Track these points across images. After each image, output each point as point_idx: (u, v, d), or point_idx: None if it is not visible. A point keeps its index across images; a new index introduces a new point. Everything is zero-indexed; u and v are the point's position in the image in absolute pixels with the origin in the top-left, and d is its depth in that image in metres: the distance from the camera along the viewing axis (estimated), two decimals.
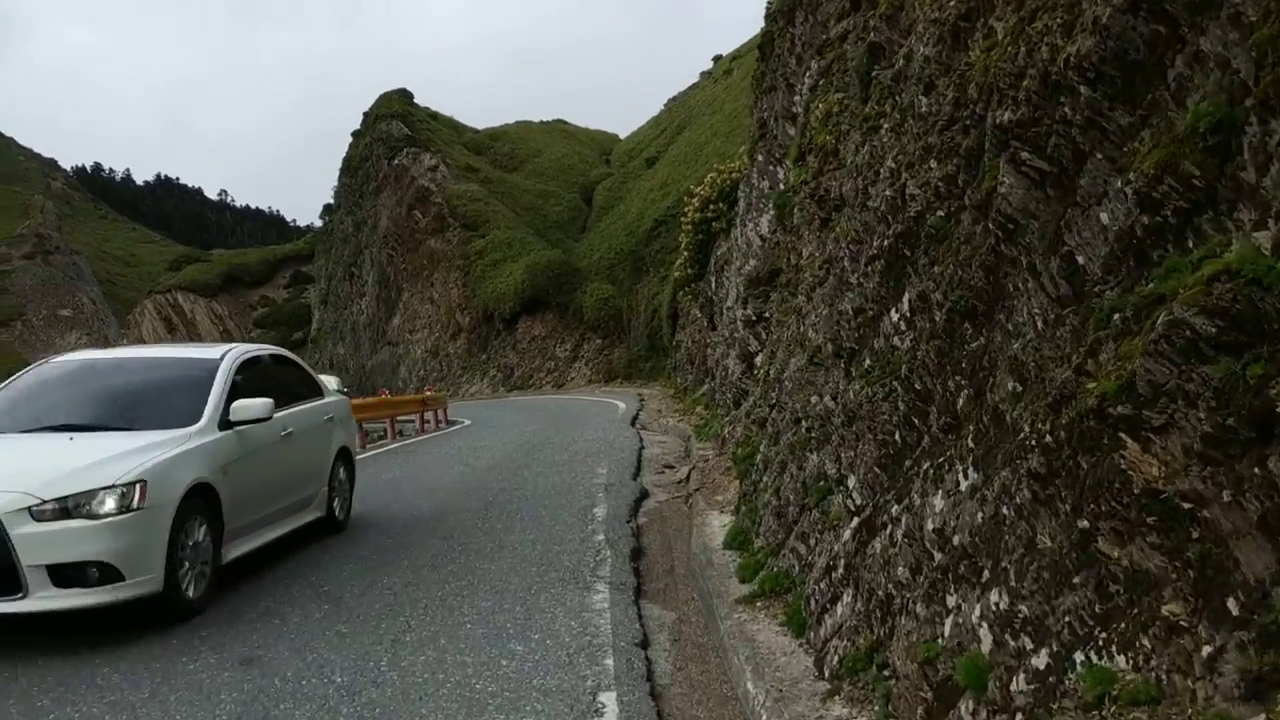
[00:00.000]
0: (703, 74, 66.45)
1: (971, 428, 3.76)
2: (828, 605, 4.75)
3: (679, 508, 9.73)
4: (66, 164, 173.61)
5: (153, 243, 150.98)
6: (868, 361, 4.90)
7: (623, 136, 72.49)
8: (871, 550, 4.38)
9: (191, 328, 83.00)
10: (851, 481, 4.89)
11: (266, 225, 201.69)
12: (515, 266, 46.10)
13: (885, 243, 4.77)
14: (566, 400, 32.13)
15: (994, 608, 3.34)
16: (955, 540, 3.66)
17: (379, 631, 5.66)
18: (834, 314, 5.62)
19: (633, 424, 19.88)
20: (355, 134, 67.58)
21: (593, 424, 20.06)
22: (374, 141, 60.89)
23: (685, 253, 21.76)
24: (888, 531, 4.26)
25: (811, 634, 4.87)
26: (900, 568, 4.07)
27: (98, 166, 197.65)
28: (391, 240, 56.42)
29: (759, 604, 5.61)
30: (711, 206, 19.19)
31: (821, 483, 5.30)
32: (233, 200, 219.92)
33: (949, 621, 3.66)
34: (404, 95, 64.66)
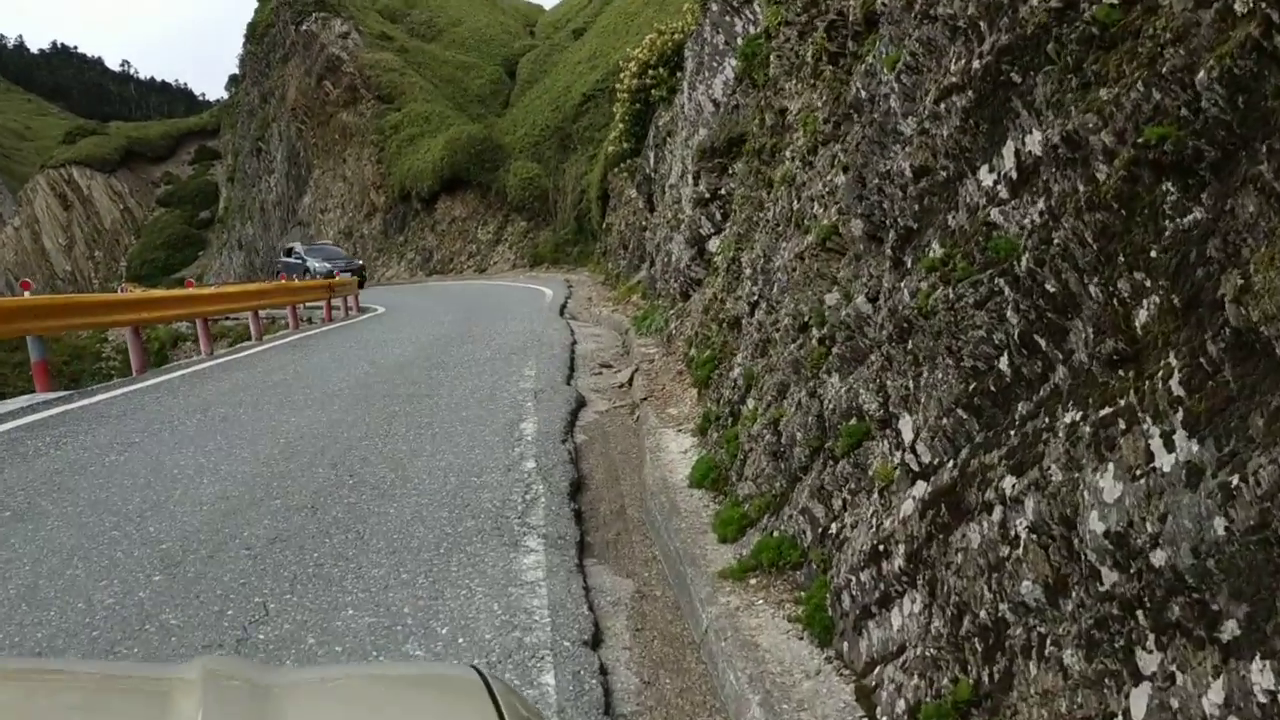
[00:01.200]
0: None
1: (1175, 362, 2.17)
2: (874, 609, 3.22)
3: (624, 421, 8.14)
4: None
5: (49, 115, 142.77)
6: (937, 248, 3.28)
7: (548, 7, 68.97)
8: (961, 541, 2.83)
9: (89, 205, 78.40)
10: (907, 425, 3.32)
11: (173, 99, 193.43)
12: (433, 142, 43.40)
13: (974, 64, 3.10)
14: (489, 286, 30.25)
15: (1260, 695, 1.83)
16: (1156, 558, 2.12)
17: (221, 623, 4.02)
18: (865, 179, 3.97)
19: (561, 314, 18.18)
20: None
21: (517, 313, 18.31)
22: (280, 5, 56.74)
23: (620, 125, 19.69)
24: (994, 517, 2.70)
25: (845, 645, 3.35)
26: (1026, 582, 2.53)
27: None
28: (300, 113, 52.92)
29: (753, 581, 4.07)
30: (651, 72, 17.10)
31: (853, 421, 3.72)
32: (136, 72, 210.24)
33: (1142, 695, 2.14)
34: None
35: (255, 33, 62.03)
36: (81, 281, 73.06)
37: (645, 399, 8.21)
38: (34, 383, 10.71)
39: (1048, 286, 2.63)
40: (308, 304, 21.19)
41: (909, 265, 3.48)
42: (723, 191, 10.01)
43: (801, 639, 3.54)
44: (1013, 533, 2.61)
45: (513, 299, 22.56)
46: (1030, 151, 2.86)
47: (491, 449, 6.88)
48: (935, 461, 3.10)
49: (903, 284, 3.44)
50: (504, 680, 1.30)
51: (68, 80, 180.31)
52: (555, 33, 54.72)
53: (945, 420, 3.05)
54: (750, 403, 5.26)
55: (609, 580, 4.68)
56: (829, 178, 4.77)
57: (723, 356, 6.84)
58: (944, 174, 3.29)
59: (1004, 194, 2.98)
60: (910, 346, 3.34)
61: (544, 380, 9.81)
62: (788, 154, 5.99)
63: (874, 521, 3.35)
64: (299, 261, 35.65)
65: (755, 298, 5.81)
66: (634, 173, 19.28)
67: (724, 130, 10.12)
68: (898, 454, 3.35)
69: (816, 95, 5.40)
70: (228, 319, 25.43)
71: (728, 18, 10.98)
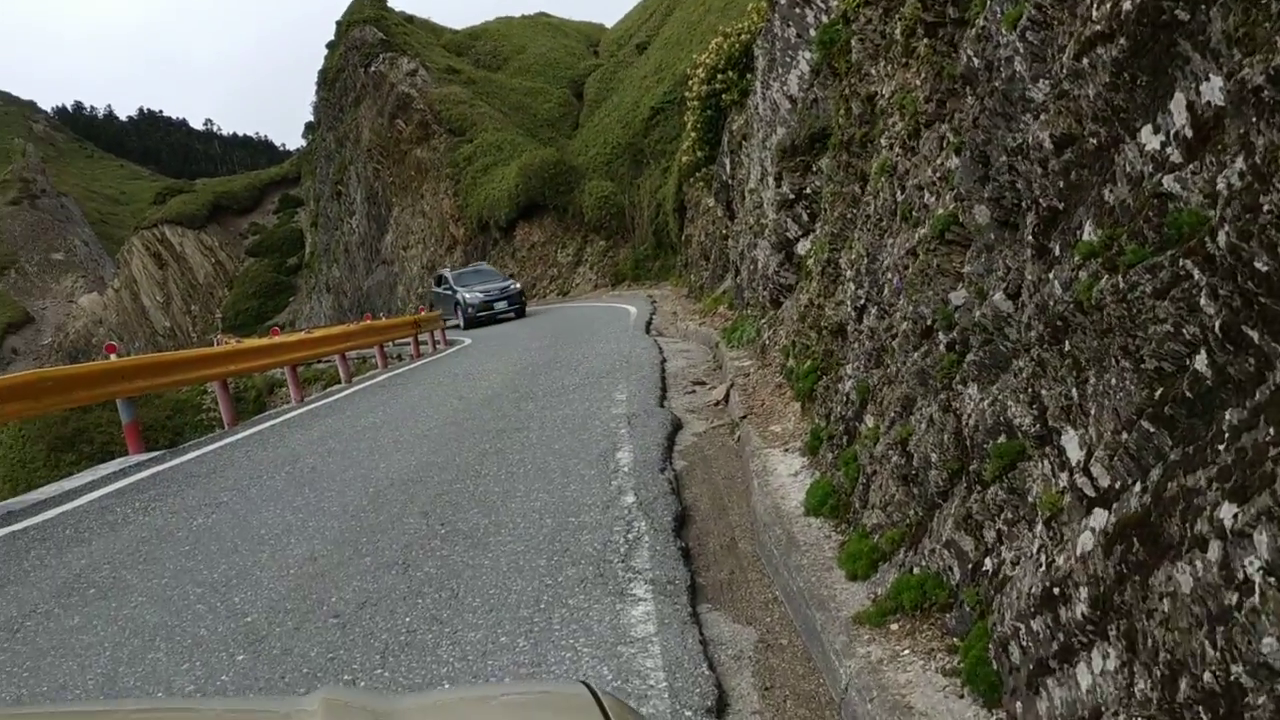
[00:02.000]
0: None
1: None
2: (1053, 663, 2.70)
3: (724, 442, 7.67)
4: (46, 105, 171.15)
5: (141, 178, 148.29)
6: (1093, 229, 2.76)
7: (609, 25, 69.07)
8: (1166, 585, 2.30)
9: (182, 261, 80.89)
10: (1072, 441, 2.80)
11: (256, 151, 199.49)
12: (507, 170, 43.53)
13: (1124, 6, 2.59)
14: (572, 308, 30.03)
15: None
16: None
17: None
18: (989, 157, 3.45)
19: (647, 331, 17.79)
20: (329, 45, 64.40)
21: (603, 334, 17.96)
22: (348, 50, 57.76)
23: (693, 134, 19.22)
24: (1210, 555, 2.17)
25: (1019, 706, 2.83)
26: (1268, 638, 2.00)
27: (79, 105, 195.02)
28: (375, 153, 53.72)
29: (895, 627, 3.57)
30: (719, 76, 16.63)
31: (1002, 438, 3.20)
32: (219, 129, 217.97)
33: None
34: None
35: (327, 79, 63.25)
36: (181, 336, 75.31)
37: (745, 417, 7.73)
38: (127, 445, 10.69)
39: (1257, 265, 2.10)
40: (395, 341, 21.20)
41: (1057, 253, 2.96)
42: (808, 191, 9.50)
43: (963, 698, 3.02)
44: (1240, 575, 2.08)
45: (597, 320, 22.25)
46: (1209, 102, 2.34)
47: (587, 484, 6.48)
48: (1117, 485, 2.57)
49: (1051, 275, 2.92)
50: (615, 695, 1.33)
51: (156, 143, 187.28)
52: (619, 50, 54.66)
53: (1126, 435, 2.53)
54: (869, 419, 4.74)
55: (727, 629, 4.21)
56: (939, 161, 4.26)
57: (827, 367, 6.33)
58: (1094, 141, 2.77)
59: (1177, 157, 2.45)
60: (1068, 348, 2.83)
61: (636, 404, 9.40)
62: (883, 142, 5.48)
63: (1042, 558, 2.83)
64: (449, 292, 30.91)
65: (862, 301, 5.30)
66: (710, 181, 18.81)
67: (804, 126, 9.61)
68: (1064, 476, 2.83)
69: (912, 74, 4.89)
70: (320, 362, 25.65)
71: (797, 9, 10.48)
